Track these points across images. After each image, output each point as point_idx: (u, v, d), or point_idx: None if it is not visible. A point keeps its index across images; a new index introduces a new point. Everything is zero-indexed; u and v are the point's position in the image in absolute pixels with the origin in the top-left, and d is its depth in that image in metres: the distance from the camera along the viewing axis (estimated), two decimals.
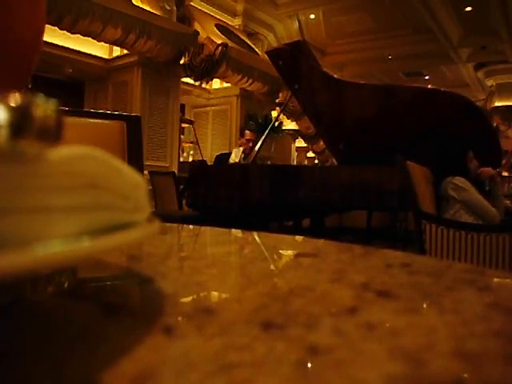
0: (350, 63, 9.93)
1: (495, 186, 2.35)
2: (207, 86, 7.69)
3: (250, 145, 3.85)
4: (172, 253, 0.42)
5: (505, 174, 6.57)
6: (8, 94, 0.13)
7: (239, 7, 7.83)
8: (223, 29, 7.00)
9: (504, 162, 5.88)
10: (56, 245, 0.13)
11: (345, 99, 2.86)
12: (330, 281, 0.29)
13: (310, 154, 11.48)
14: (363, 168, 2.40)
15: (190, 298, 0.25)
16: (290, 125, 9.16)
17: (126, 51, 5.96)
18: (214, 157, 4.97)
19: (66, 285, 0.26)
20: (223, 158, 4.43)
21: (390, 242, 3.69)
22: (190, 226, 0.60)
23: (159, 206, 4.18)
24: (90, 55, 6.17)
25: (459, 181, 2.19)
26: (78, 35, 5.14)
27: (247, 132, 4.29)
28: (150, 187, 4.21)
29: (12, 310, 0.20)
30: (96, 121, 1.19)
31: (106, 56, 6.41)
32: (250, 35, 7.98)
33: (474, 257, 1.64)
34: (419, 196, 1.80)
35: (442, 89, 2.74)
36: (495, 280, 0.35)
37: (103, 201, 0.17)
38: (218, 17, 7.46)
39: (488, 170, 2.33)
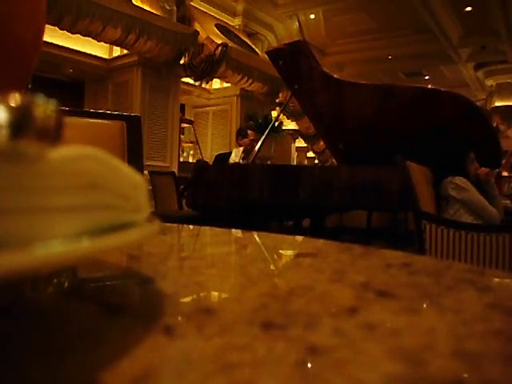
0: (349, 63, 9.93)
1: (490, 187, 2.36)
2: (207, 86, 7.68)
3: (254, 144, 3.88)
4: (172, 253, 0.42)
5: (505, 173, 6.57)
6: (8, 94, 0.13)
7: (239, 7, 7.83)
8: (223, 29, 7.00)
9: (504, 161, 5.87)
10: (56, 245, 0.13)
11: (345, 99, 2.86)
12: (330, 281, 0.29)
13: (310, 154, 11.48)
14: (363, 168, 2.40)
15: (189, 298, 0.25)
16: (290, 125, 9.16)
17: (126, 51, 5.96)
18: (214, 156, 4.97)
19: (65, 285, 0.26)
20: (223, 157, 4.43)
21: (389, 242, 3.68)
22: (190, 226, 0.60)
23: (159, 206, 4.18)
24: (90, 55, 6.17)
25: (460, 180, 2.19)
26: (78, 35, 5.14)
27: (250, 132, 4.33)
28: (150, 187, 4.21)
29: (12, 310, 0.20)
30: (96, 121, 1.18)
31: (106, 56, 6.41)
32: (250, 35, 7.98)
33: (473, 257, 1.64)
34: (419, 196, 1.80)
35: (442, 89, 2.73)
36: (495, 280, 0.35)
37: (103, 201, 0.17)
38: (218, 17, 7.46)
39: (484, 170, 2.33)
